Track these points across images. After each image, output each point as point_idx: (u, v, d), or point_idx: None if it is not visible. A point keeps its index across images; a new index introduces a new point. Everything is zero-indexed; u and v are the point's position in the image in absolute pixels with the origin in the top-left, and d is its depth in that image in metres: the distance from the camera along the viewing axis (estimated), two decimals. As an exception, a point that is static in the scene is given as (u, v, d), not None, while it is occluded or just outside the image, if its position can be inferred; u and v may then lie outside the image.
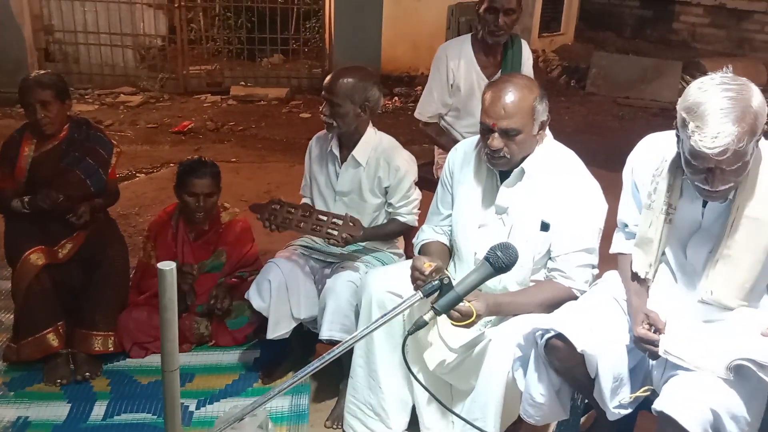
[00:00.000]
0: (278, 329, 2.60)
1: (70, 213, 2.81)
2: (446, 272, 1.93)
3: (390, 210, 2.71)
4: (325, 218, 2.49)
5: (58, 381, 2.77)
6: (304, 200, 2.88)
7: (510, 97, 2.07)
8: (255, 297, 2.59)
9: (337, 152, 2.69)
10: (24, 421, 2.54)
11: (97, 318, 2.82)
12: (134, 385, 2.77)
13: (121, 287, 2.94)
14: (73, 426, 2.53)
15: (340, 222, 2.46)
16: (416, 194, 2.72)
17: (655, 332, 1.84)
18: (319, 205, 2.78)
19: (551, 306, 2.13)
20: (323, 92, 2.57)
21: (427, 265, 1.99)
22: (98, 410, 2.62)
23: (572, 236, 2.14)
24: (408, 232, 2.81)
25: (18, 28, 6.99)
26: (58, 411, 2.60)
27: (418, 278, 2.02)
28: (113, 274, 2.87)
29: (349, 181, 2.68)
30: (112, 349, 2.85)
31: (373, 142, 2.67)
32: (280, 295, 2.57)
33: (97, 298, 2.82)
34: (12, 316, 2.92)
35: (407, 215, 2.70)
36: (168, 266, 1.16)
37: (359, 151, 2.65)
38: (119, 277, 2.91)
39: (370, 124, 2.68)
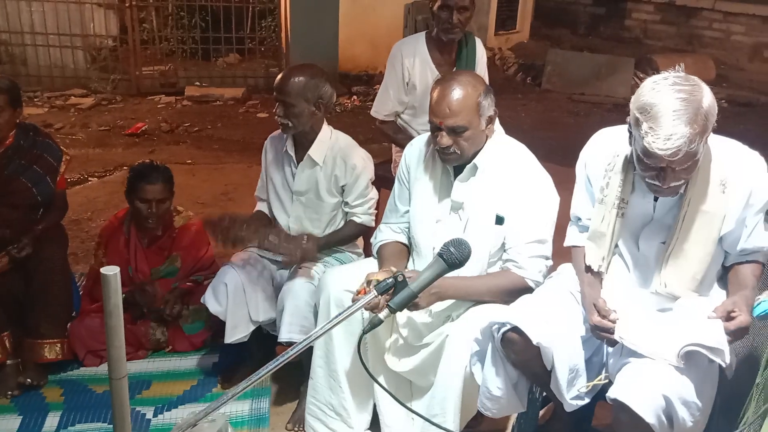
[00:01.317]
0: (236, 333, 2.56)
1: (12, 244, 2.69)
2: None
3: (346, 209, 2.69)
4: (277, 239, 2.46)
5: (9, 393, 2.68)
6: (258, 205, 2.85)
7: (454, 95, 2.09)
8: (211, 301, 2.55)
9: (292, 153, 2.66)
10: (-28, 437, 2.46)
11: (41, 325, 2.72)
12: (88, 395, 2.70)
13: (63, 291, 2.81)
14: (24, 439, 2.46)
15: (293, 242, 2.43)
16: (373, 193, 2.71)
17: (603, 318, 1.87)
18: (276, 206, 2.75)
19: (503, 293, 2.16)
20: (275, 93, 2.53)
21: (361, 292, 2.00)
22: (51, 421, 2.54)
23: (524, 228, 2.17)
24: (367, 231, 2.80)
25: (-39, 29, 6.76)
26: (9, 424, 2.52)
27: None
28: (53, 279, 2.75)
29: (306, 181, 2.66)
30: (61, 356, 2.76)
31: (329, 140, 2.65)
32: (237, 298, 2.53)
33: (38, 305, 2.72)
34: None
35: (363, 215, 2.68)
36: (112, 271, 1.12)
37: (315, 151, 2.62)
38: (60, 282, 2.79)
39: (325, 122, 2.66)
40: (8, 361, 2.72)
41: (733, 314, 1.78)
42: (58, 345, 2.75)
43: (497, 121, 2.23)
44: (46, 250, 2.76)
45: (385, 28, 8.04)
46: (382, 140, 4.99)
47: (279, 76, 2.55)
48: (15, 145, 2.78)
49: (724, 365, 1.75)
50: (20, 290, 2.76)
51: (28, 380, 2.70)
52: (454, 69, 3.16)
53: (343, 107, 7.16)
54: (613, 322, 1.86)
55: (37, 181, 2.80)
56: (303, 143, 2.64)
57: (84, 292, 3.05)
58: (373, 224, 2.73)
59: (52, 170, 2.85)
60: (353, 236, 2.75)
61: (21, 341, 2.75)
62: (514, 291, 2.15)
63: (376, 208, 2.76)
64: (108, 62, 7.55)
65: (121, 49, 7.63)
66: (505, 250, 2.21)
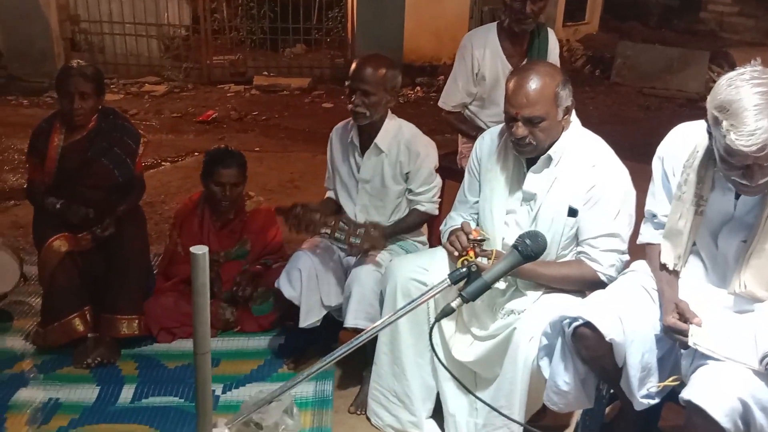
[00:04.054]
0: (310, 317, 2.61)
1: (94, 224, 2.82)
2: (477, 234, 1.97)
3: (411, 197, 2.71)
4: (347, 226, 2.49)
5: (87, 363, 2.79)
6: (328, 193, 2.89)
7: (532, 85, 2.07)
8: (286, 286, 2.60)
9: (357, 142, 2.69)
10: (55, 403, 2.59)
11: (120, 302, 2.84)
12: (161, 369, 2.81)
13: (141, 270, 2.95)
14: (102, 408, 2.58)
15: (362, 231, 2.46)
16: (437, 181, 2.72)
17: (684, 322, 1.83)
18: (342, 195, 2.79)
19: (573, 282, 2.15)
20: (352, 82, 2.53)
21: (476, 232, 2.02)
22: (126, 393, 2.66)
23: (598, 221, 2.14)
24: (431, 220, 2.81)
25: (44, 18, 7.09)
26: (88, 393, 2.65)
27: (458, 239, 2.09)
28: (133, 257, 2.88)
29: (371, 169, 2.68)
30: (137, 332, 2.87)
31: (394, 128, 2.66)
32: (310, 283, 2.58)
33: (118, 282, 2.85)
34: (41, 300, 2.96)
35: (427, 203, 2.70)
36: (200, 250, 1.18)
37: (381, 139, 2.64)
38: (139, 261, 2.92)
39: (389, 111, 2.68)
40: (89, 335, 2.86)
41: None
42: (136, 321, 2.87)
43: (573, 113, 2.20)
44: (126, 230, 2.89)
45: (450, 20, 8.00)
46: (446, 131, 4.97)
47: (357, 65, 2.55)
48: (96, 128, 2.91)
49: None
50: (100, 268, 2.90)
51: (98, 359, 2.80)
52: (525, 60, 3.12)
53: (407, 98, 7.18)
54: (690, 323, 1.81)
55: (118, 162, 2.92)
56: (369, 132, 2.66)
57: (159, 271, 3.17)
58: (436, 212, 2.74)
59: (132, 152, 2.96)
60: (418, 225, 2.77)
61: (99, 316, 2.88)
62: (585, 283, 2.13)
63: (440, 197, 2.76)
64: (180, 51, 7.80)
65: (193, 38, 7.86)
66: (578, 243, 2.19)
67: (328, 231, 2.49)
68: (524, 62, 3.10)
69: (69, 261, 2.81)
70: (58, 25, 7.31)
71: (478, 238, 2.12)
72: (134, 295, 2.89)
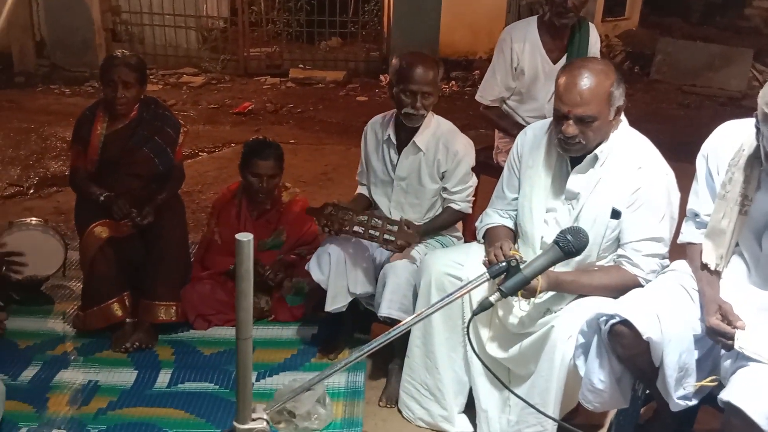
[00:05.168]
0: (336, 302, 2.62)
1: (137, 213, 2.86)
2: (515, 253, 1.93)
3: (445, 195, 2.70)
4: (380, 222, 2.48)
5: (125, 347, 2.85)
6: (360, 188, 2.90)
7: (586, 83, 2.01)
8: (315, 269, 2.62)
9: (394, 139, 2.69)
10: (94, 385, 2.66)
11: (158, 288, 2.90)
12: (197, 356, 2.85)
13: (180, 258, 2.99)
14: (139, 392, 2.63)
15: (396, 228, 2.45)
16: (472, 181, 2.71)
17: (728, 325, 1.79)
18: (377, 192, 2.79)
19: (614, 291, 2.09)
20: (414, 85, 2.49)
21: (513, 252, 1.97)
22: (163, 378, 2.71)
23: (641, 225, 2.09)
24: (465, 216, 2.80)
25: (86, 9, 7.25)
26: (126, 377, 2.71)
27: (495, 256, 2.01)
28: (172, 245, 2.93)
29: (408, 167, 2.68)
30: (174, 318, 2.92)
31: (432, 126, 2.66)
32: (338, 269, 2.59)
33: (157, 269, 2.90)
34: (81, 285, 3.03)
35: (461, 202, 2.69)
36: (245, 237, 1.20)
37: (420, 137, 2.64)
38: (178, 249, 2.97)
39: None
40: (127, 320, 2.92)
41: None
42: (173, 308, 2.92)
43: (622, 112, 2.16)
44: (166, 218, 2.93)
45: (486, 14, 7.95)
46: (481, 126, 4.95)
47: (413, 67, 2.50)
48: (138, 118, 2.96)
49: None
50: (140, 255, 2.95)
51: (137, 343, 2.86)
52: (565, 55, 3.08)
53: (442, 93, 7.16)
54: (734, 326, 1.78)
55: (159, 151, 2.97)
56: (407, 129, 2.65)
57: (195, 259, 3.21)
58: (470, 211, 2.73)
59: (172, 141, 3.01)
60: (451, 223, 2.76)
61: (138, 302, 2.93)
62: (626, 289, 2.08)
63: (474, 195, 2.75)
64: (218, 43, 7.89)
65: (231, 30, 7.96)
66: (619, 246, 2.15)
67: (362, 230, 2.50)
68: (564, 57, 3.07)
69: (109, 247, 2.86)
70: (99, 16, 7.46)
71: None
72: (172, 282, 2.94)
